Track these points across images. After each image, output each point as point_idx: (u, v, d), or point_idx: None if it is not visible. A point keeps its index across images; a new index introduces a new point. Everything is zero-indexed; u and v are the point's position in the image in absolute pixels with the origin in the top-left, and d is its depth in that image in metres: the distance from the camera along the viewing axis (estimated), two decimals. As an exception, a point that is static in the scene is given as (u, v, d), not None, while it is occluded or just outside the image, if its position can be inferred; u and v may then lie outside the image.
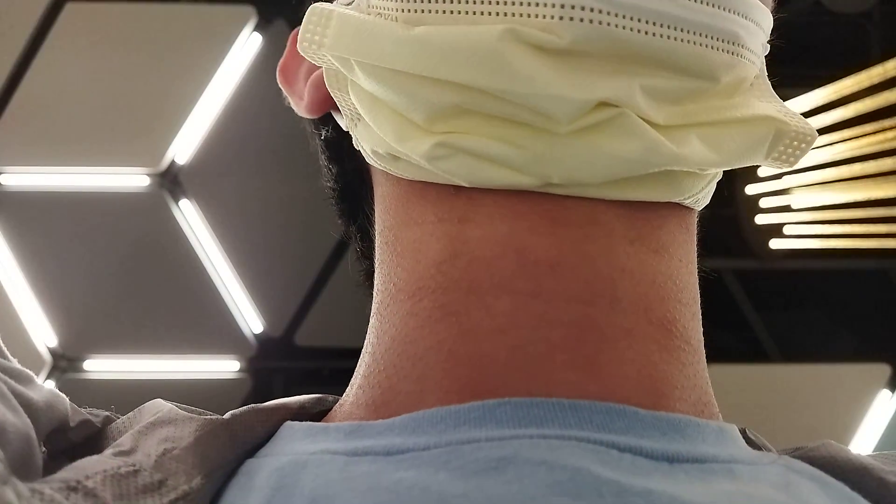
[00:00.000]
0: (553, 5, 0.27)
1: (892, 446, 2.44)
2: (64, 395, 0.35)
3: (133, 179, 2.43)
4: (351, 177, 0.43)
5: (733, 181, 3.17)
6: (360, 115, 0.34)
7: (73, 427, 0.34)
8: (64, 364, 2.40)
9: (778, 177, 2.63)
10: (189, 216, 2.42)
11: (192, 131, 2.40)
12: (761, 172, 2.70)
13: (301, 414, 0.36)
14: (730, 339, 3.87)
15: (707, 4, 0.29)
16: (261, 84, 2.40)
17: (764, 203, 2.75)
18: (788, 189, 2.61)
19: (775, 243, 2.80)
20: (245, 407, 0.34)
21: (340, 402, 0.36)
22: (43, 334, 2.40)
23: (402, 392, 0.31)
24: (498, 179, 0.30)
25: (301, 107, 0.41)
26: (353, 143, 0.37)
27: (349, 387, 0.36)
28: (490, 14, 0.28)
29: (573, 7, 0.27)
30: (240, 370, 2.45)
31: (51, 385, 1.99)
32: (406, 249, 0.34)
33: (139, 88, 2.36)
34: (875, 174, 2.18)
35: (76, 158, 2.39)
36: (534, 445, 0.27)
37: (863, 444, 2.45)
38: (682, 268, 0.33)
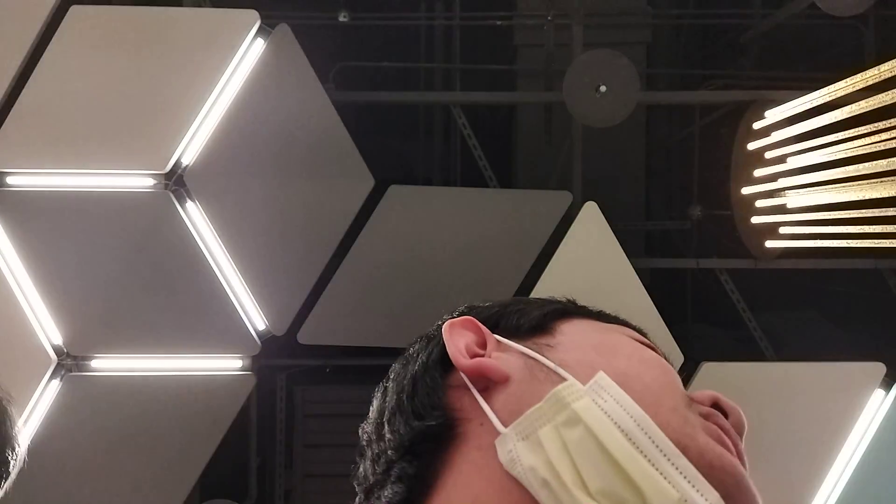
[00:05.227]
0: None
1: (886, 446, 2.45)
2: None
3: (138, 181, 2.46)
4: (427, 435, 0.51)
5: (729, 183, 3.21)
6: (536, 433, 0.47)
7: None
8: (69, 363, 2.44)
9: (773, 178, 2.66)
10: (193, 217, 2.46)
11: (196, 134, 2.43)
12: (756, 174, 2.73)
13: None
14: (725, 338, 3.90)
15: None
16: (264, 88, 2.43)
17: (759, 204, 2.78)
18: (784, 190, 2.63)
19: (770, 243, 2.83)
20: None
21: None
22: (50, 333, 2.43)
23: None
24: None
25: (459, 356, 0.53)
26: (506, 450, 0.47)
27: None
28: (669, 483, 0.44)
29: None
30: (244, 368, 2.49)
31: (56, 384, 1.98)
32: None
33: (144, 91, 2.39)
34: (869, 175, 2.20)
35: (82, 161, 2.42)
36: None
37: (856, 443, 2.47)
38: None
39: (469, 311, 0.60)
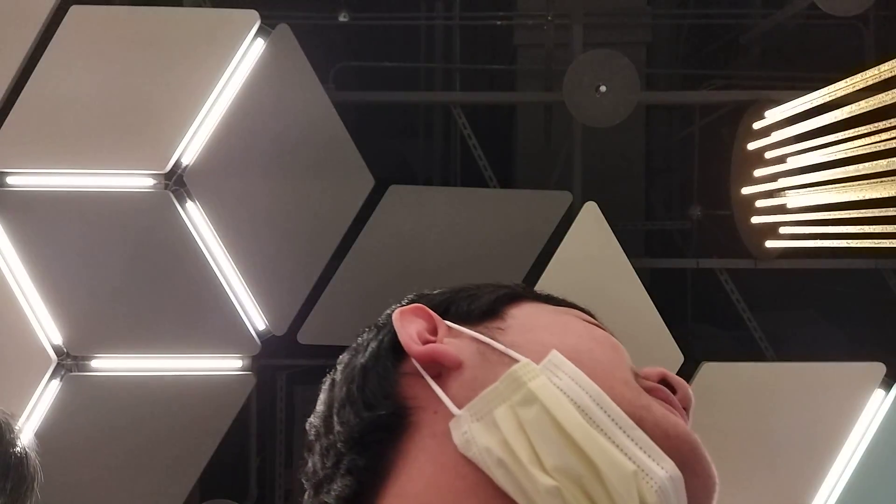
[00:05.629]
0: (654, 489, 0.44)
1: (885, 446, 2.46)
2: None
3: (138, 181, 2.46)
4: (378, 425, 0.50)
5: (729, 183, 3.21)
6: (491, 413, 0.46)
7: None
8: (69, 363, 2.44)
9: (773, 178, 2.66)
10: (193, 217, 2.46)
11: (196, 133, 2.43)
12: (756, 174, 2.73)
13: None
14: (725, 338, 3.90)
15: None
16: (264, 88, 2.43)
17: (759, 204, 2.78)
18: (784, 190, 2.63)
19: (770, 243, 2.83)
20: None
21: None
22: (50, 333, 2.43)
23: None
24: None
25: (411, 342, 0.52)
26: (461, 432, 0.47)
27: None
28: (625, 455, 0.44)
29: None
30: (244, 368, 2.49)
31: (56, 384, 1.95)
32: None
33: (144, 91, 2.39)
34: (869, 175, 2.21)
35: (82, 161, 2.42)
36: None
37: (856, 443, 2.47)
38: None
39: (419, 298, 0.60)
